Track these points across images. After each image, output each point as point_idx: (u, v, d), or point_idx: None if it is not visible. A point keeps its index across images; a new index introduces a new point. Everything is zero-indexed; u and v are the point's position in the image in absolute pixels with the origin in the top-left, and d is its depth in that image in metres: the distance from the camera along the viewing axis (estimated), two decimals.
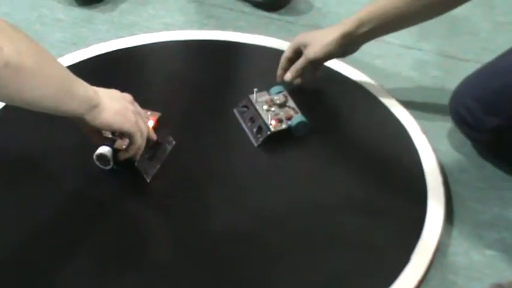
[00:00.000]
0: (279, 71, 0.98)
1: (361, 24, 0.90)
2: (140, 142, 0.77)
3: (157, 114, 0.86)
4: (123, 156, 0.78)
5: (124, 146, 0.78)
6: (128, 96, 0.78)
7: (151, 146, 0.83)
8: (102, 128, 0.76)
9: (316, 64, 0.95)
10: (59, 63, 0.69)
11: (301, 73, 0.96)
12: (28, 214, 0.79)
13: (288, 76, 0.95)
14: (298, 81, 0.97)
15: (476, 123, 0.90)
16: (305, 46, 0.94)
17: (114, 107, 0.73)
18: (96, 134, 0.78)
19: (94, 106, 0.71)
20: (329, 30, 0.93)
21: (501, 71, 0.89)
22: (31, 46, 0.63)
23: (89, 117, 0.71)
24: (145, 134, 0.78)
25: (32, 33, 0.64)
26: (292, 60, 0.97)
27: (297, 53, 0.96)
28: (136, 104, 0.79)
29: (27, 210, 0.79)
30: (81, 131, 0.76)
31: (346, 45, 0.93)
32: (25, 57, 0.60)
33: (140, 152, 0.79)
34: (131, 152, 0.78)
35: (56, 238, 0.76)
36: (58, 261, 0.74)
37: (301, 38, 0.95)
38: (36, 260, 0.74)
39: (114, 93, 0.76)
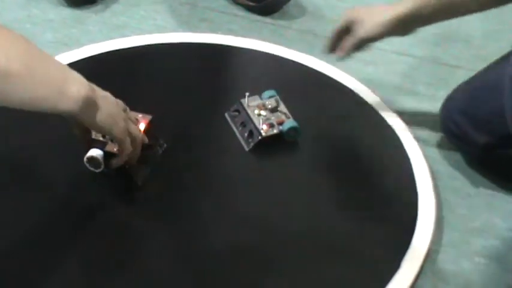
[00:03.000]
0: (328, 44, 0.94)
1: (419, 8, 0.85)
2: (130, 149, 0.76)
3: (148, 117, 0.85)
4: (115, 163, 0.77)
5: (115, 149, 0.77)
6: (121, 103, 0.77)
7: (143, 149, 0.83)
8: (92, 129, 0.75)
9: (366, 42, 0.91)
10: (54, 61, 0.67)
11: (352, 50, 0.92)
12: (15, 217, 0.78)
13: (341, 54, 0.92)
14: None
15: (466, 137, 0.90)
16: (357, 23, 0.90)
17: (108, 109, 0.73)
18: (87, 137, 0.77)
19: (89, 104, 0.69)
20: (385, 9, 0.88)
21: (491, 87, 0.86)
22: (22, 48, 0.62)
23: (82, 116, 0.69)
24: (138, 141, 0.78)
25: (21, 33, 0.64)
26: (342, 33, 0.92)
27: (348, 28, 0.92)
28: (128, 111, 0.79)
29: (14, 213, 0.78)
30: (72, 131, 0.76)
31: (401, 28, 0.88)
32: (14, 62, 0.60)
33: (134, 160, 0.79)
34: (123, 159, 0.77)
35: (44, 242, 0.76)
36: (46, 267, 0.73)
37: (354, 14, 0.91)
38: (23, 265, 0.73)
39: (109, 96, 0.75)
